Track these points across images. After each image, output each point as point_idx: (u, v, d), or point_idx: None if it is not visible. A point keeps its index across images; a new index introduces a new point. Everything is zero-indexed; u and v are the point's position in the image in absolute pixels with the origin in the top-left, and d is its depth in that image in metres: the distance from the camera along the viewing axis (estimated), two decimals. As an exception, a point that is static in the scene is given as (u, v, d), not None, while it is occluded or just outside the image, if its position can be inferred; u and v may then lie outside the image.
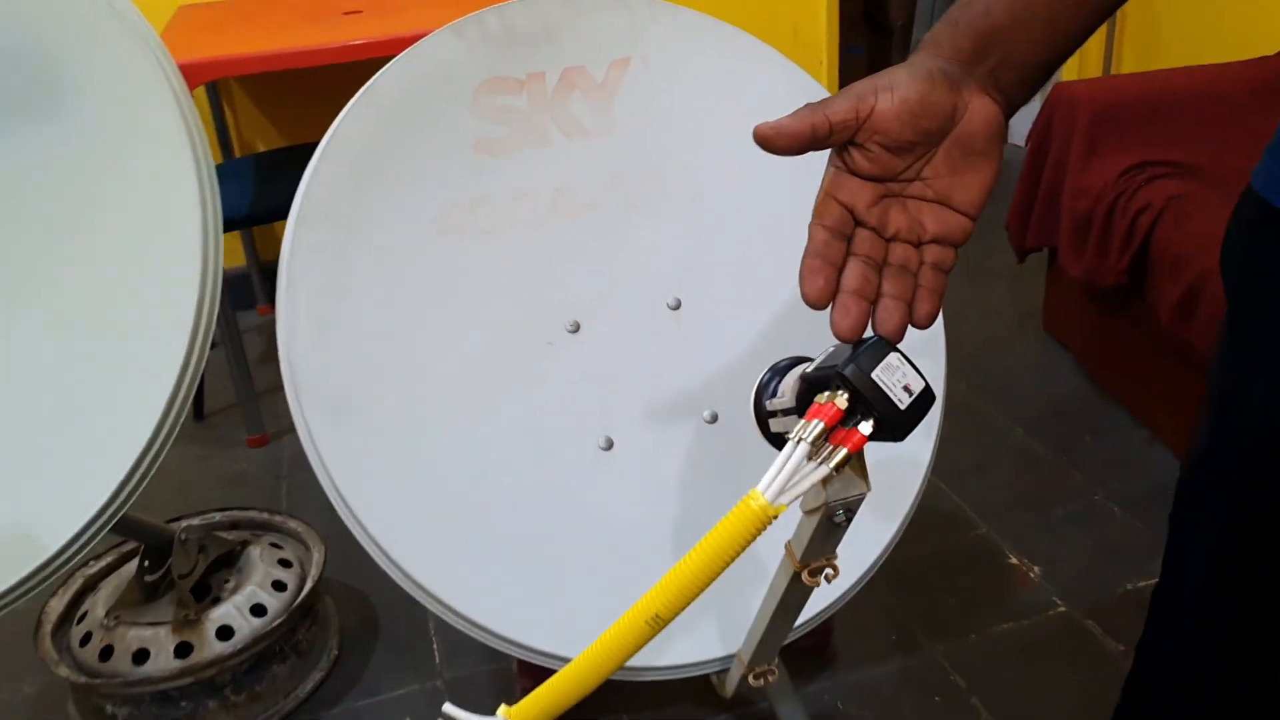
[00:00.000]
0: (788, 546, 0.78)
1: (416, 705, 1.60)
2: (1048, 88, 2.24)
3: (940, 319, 1.25)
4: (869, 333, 0.63)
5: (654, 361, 1.17)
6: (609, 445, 1.13)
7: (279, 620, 1.57)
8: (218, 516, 1.79)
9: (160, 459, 1.11)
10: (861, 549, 1.14)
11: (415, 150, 1.11)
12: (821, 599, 1.13)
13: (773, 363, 0.72)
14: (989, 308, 2.68)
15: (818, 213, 0.62)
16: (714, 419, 1.16)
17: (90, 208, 1.15)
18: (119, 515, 1.10)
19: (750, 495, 0.62)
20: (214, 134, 2.73)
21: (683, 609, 0.64)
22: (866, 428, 0.62)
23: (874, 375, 0.61)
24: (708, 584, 0.63)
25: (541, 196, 1.15)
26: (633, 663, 1.05)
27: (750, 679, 0.96)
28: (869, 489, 0.70)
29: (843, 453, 0.62)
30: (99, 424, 1.11)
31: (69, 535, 1.07)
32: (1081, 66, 3.27)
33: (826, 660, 1.60)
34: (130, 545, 1.72)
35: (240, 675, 1.55)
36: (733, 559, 0.62)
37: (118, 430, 1.10)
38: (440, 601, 1.03)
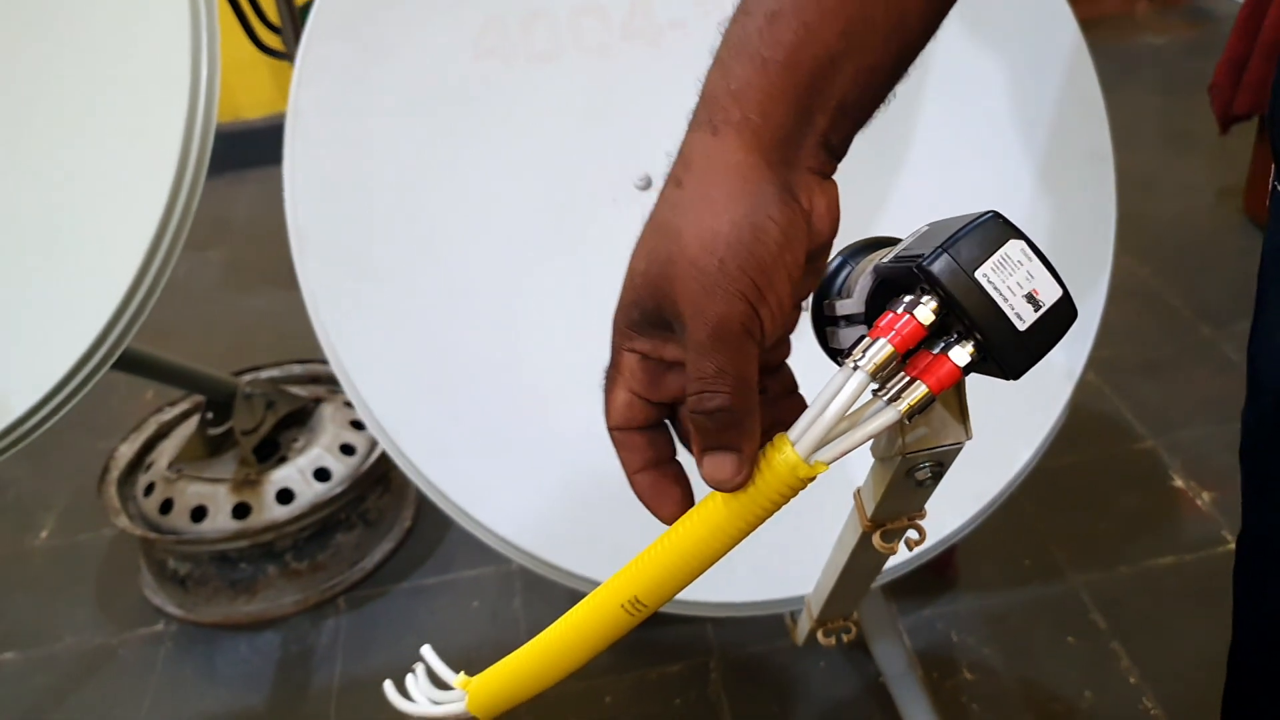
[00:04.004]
0: (856, 496, 0.57)
1: (488, 589, 1.48)
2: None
3: (1112, 177, 0.97)
4: (977, 206, 0.40)
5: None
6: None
7: (342, 488, 1.45)
8: (297, 369, 1.68)
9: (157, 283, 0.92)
10: (982, 475, 0.91)
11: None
12: (935, 529, 0.92)
13: (848, 244, 0.50)
14: (1183, 180, 2.31)
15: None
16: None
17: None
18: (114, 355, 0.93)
19: (776, 444, 0.41)
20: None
21: (673, 593, 0.45)
22: (962, 355, 0.40)
23: (979, 274, 0.39)
24: (708, 563, 0.43)
25: (613, 11, 0.92)
26: (686, 595, 0.87)
27: (820, 636, 0.77)
28: (969, 437, 0.48)
29: (920, 391, 0.40)
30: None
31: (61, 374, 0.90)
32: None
33: (947, 580, 1.39)
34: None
35: (302, 542, 1.45)
36: (746, 533, 0.42)
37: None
38: (451, 500, 0.87)
